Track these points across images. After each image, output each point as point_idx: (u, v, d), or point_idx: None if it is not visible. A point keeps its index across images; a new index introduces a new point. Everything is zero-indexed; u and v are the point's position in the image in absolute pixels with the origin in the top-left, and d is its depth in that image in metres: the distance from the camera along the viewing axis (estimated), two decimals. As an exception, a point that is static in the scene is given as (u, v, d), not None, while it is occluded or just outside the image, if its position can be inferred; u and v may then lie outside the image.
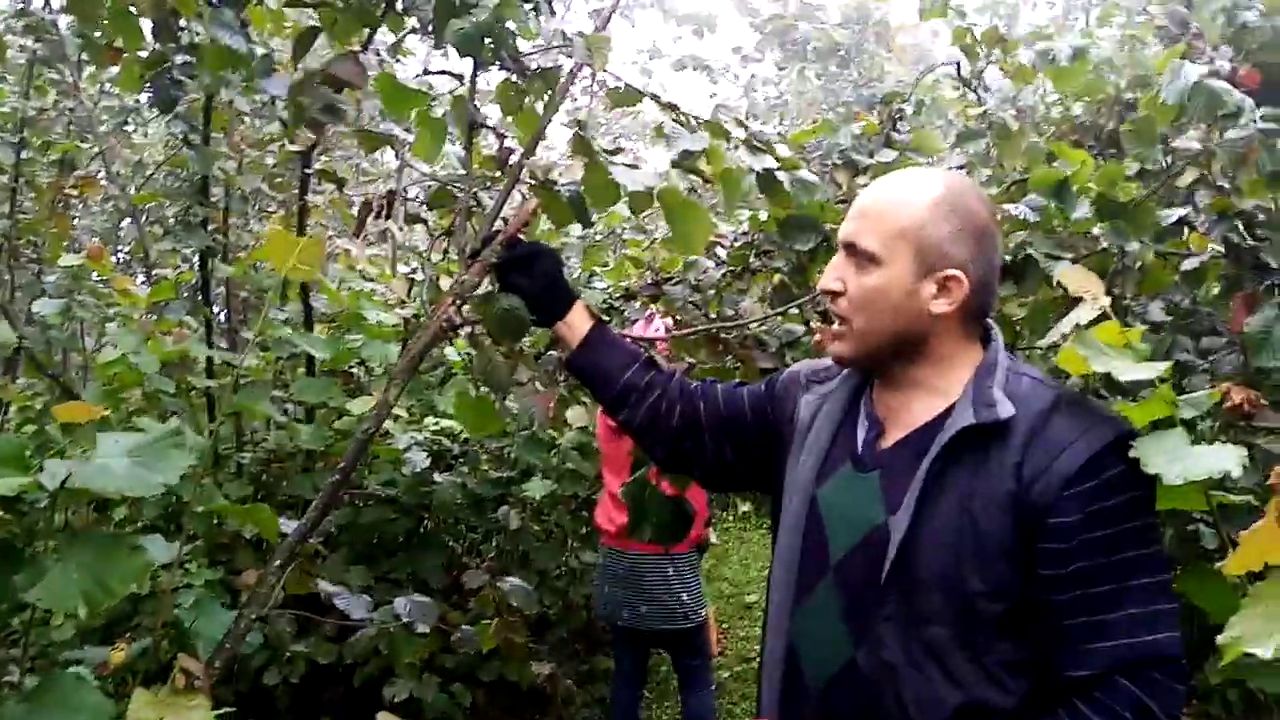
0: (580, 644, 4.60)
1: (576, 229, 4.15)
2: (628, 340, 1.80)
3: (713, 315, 2.30)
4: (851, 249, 1.36)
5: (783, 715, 1.40)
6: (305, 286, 3.93)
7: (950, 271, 1.34)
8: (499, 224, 1.78)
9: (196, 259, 3.87)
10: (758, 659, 1.55)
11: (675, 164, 1.78)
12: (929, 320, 1.35)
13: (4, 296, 4.05)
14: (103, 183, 4.77)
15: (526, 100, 1.85)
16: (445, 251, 1.94)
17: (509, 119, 1.92)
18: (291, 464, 4.13)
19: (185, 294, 4.63)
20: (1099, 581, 1.22)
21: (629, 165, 1.74)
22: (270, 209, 4.82)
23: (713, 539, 5.21)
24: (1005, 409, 1.27)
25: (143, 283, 4.44)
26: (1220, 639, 1.08)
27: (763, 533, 7.19)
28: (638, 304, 2.46)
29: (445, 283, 1.85)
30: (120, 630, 3.35)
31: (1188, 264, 2.09)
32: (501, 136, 1.87)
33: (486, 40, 1.74)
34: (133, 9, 2.25)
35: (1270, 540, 1.08)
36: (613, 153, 1.76)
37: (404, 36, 1.98)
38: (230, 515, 2.09)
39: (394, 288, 4.37)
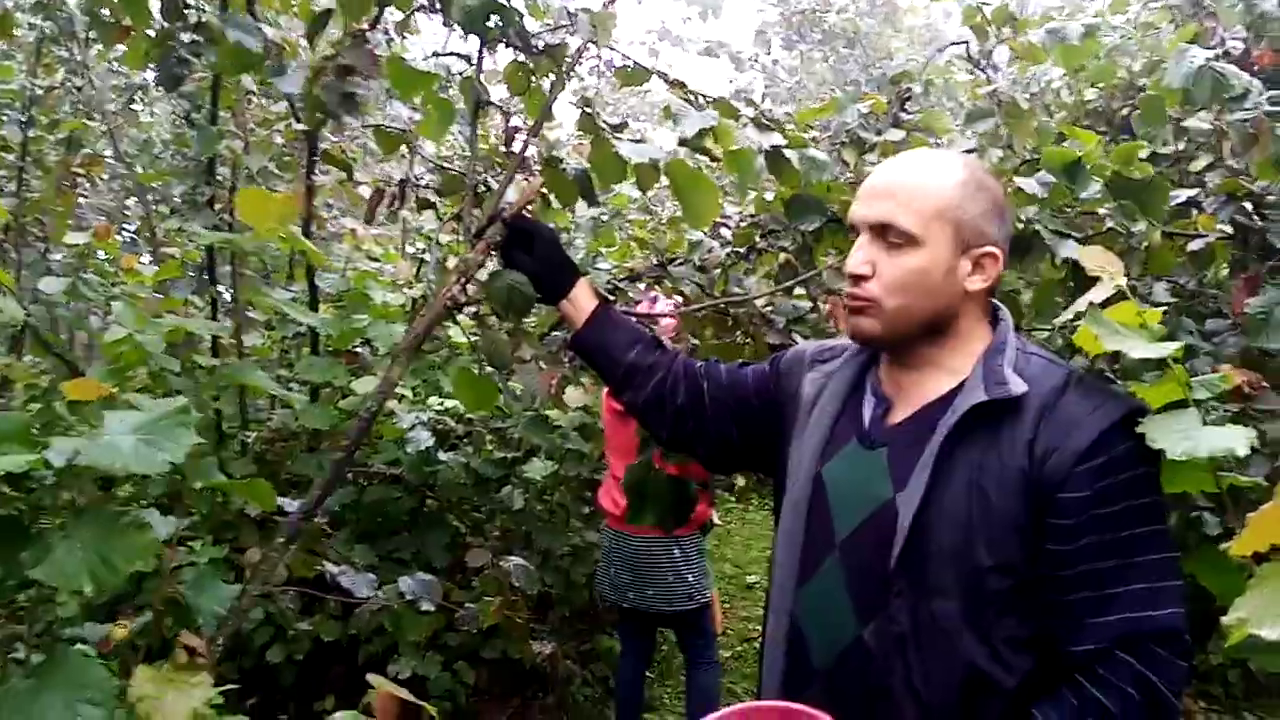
0: (582, 623, 4.62)
1: (583, 210, 4.17)
2: (633, 320, 1.80)
3: (718, 295, 2.30)
4: (883, 230, 1.34)
5: (786, 695, 1.40)
6: (310, 266, 3.94)
7: (987, 249, 1.36)
8: (505, 203, 1.78)
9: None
10: (759, 639, 1.56)
11: (684, 142, 1.77)
12: (960, 299, 1.36)
13: (11, 274, 4.05)
14: (109, 161, 4.77)
15: (533, 80, 1.84)
16: (455, 234, 1.95)
17: (516, 99, 1.92)
18: (296, 443, 4.14)
19: (191, 273, 4.64)
20: (1105, 556, 1.23)
21: (635, 140, 1.73)
22: (277, 189, 4.82)
23: (715, 520, 5.23)
24: (1018, 386, 1.28)
25: (149, 262, 4.44)
26: (1225, 620, 1.08)
27: (765, 514, 7.21)
28: (642, 285, 2.45)
29: (452, 263, 1.85)
30: (124, 607, 3.37)
31: (1194, 245, 2.08)
32: (507, 115, 1.87)
33: (492, 17, 1.73)
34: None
35: (1277, 522, 1.08)
36: (618, 128, 1.75)
37: (412, 13, 1.97)
38: (228, 490, 2.10)
39: (401, 268, 4.38)
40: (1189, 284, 2.12)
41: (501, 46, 1.83)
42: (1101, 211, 2.02)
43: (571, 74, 1.82)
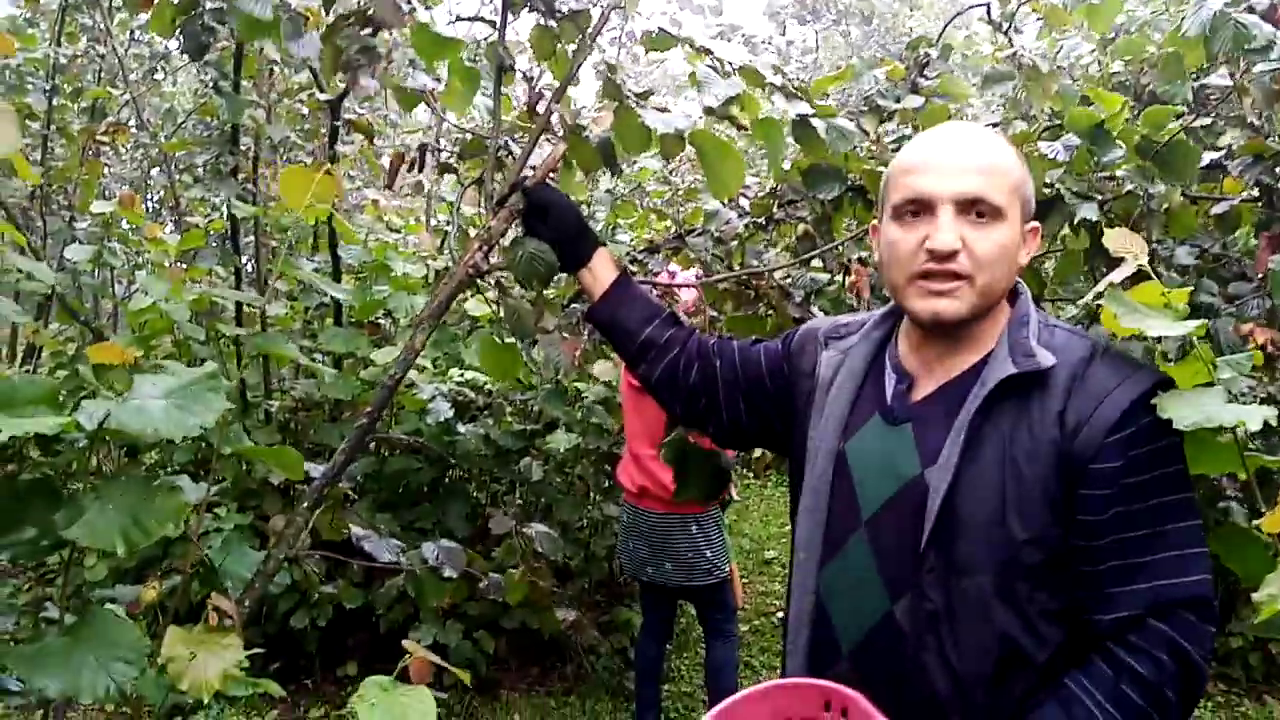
0: (602, 595, 4.65)
1: (606, 184, 4.16)
2: (651, 293, 1.80)
3: (736, 266, 2.29)
4: (971, 204, 1.30)
5: (812, 673, 1.39)
6: (334, 237, 3.96)
7: (1033, 223, 1.39)
8: (527, 171, 1.78)
9: (226, 208, 3.89)
10: (776, 614, 1.56)
11: (709, 111, 1.76)
12: (1015, 273, 1.37)
13: (36, 242, 4.09)
14: (133, 130, 4.78)
15: (558, 45, 1.84)
16: (477, 203, 1.95)
17: (539, 65, 1.91)
18: (319, 413, 4.18)
19: (215, 243, 4.66)
20: (1135, 526, 1.23)
21: (659, 109, 1.72)
22: (300, 159, 4.84)
23: (734, 495, 5.24)
24: (1046, 358, 1.28)
25: (172, 231, 4.47)
26: (1256, 596, 1.08)
27: (783, 490, 7.22)
28: (660, 256, 2.45)
29: (474, 232, 1.85)
30: (151, 571, 3.42)
31: (1219, 208, 2.05)
32: (531, 81, 1.86)
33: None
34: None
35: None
36: (643, 96, 1.74)
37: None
38: (256, 458, 2.12)
39: (423, 239, 4.39)
40: (1212, 248, 2.08)
41: (526, 12, 1.83)
42: (1120, 173, 1.99)
43: (596, 39, 1.82)
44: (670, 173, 4.91)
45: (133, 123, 4.85)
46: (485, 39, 1.87)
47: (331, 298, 3.83)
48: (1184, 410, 1.19)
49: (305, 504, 1.90)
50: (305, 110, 4.37)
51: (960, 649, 1.27)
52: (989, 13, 2.44)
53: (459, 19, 1.99)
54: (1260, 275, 1.92)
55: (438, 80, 2.24)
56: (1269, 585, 1.07)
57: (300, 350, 4.18)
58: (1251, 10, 1.89)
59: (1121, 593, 1.23)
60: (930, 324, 1.34)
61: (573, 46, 1.83)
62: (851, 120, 2.14)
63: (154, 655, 1.53)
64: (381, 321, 4.40)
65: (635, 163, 4.26)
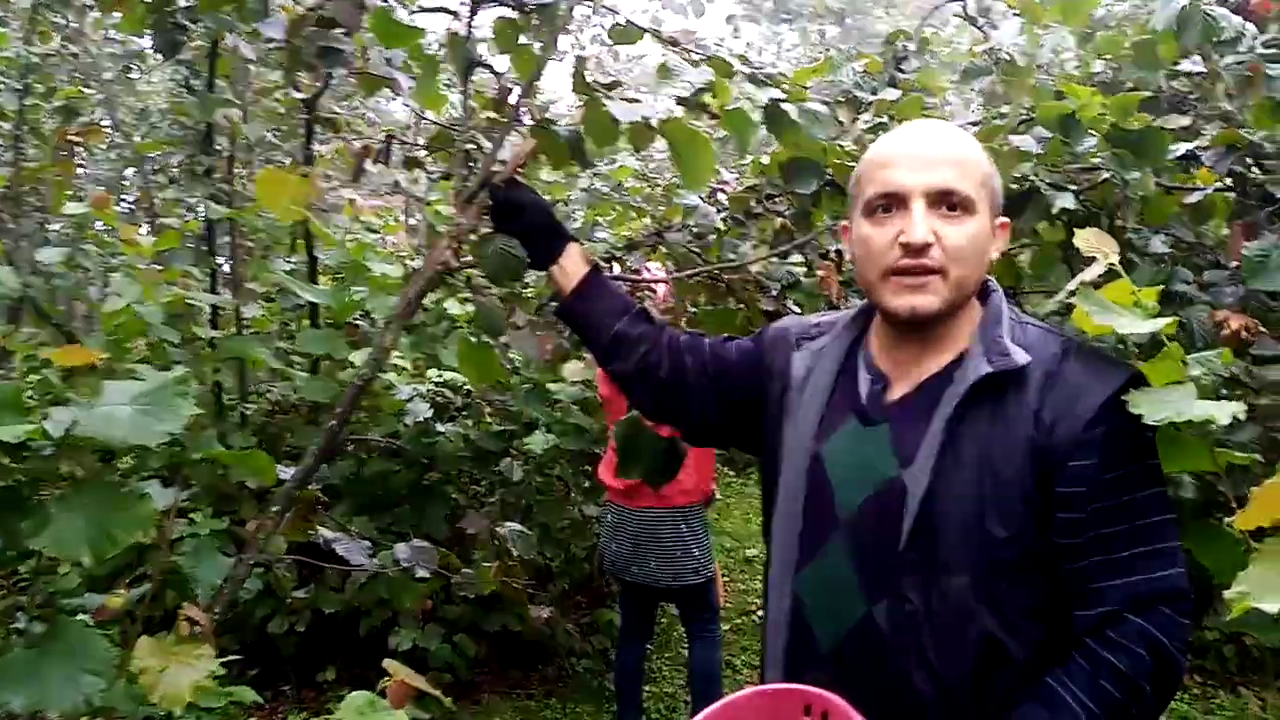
0: (583, 596, 4.64)
1: (584, 181, 4.14)
2: (622, 288, 1.79)
3: (713, 261, 2.28)
4: (942, 197, 1.30)
5: (791, 676, 1.38)
6: (310, 238, 3.92)
7: (1002, 219, 1.39)
8: (497, 166, 1.76)
9: (202, 208, 3.85)
10: (757, 613, 1.55)
11: (681, 101, 1.74)
12: (986, 268, 1.36)
13: (9, 244, 4.04)
14: (107, 130, 4.74)
15: (524, 38, 1.82)
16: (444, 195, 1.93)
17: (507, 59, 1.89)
18: (296, 415, 4.14)
19: (190, 244, 4.62)
20: (1113, 521, 1.23)
21: (628, 100, 1.70)
22: (276, 158, 4.79)
23: (715, 493, 5.24)
24: (1020, 356, 1.27)
25: (148, 232, 4.42)
26: (1228, 594, 1.07)
27: (766, 489, 7.21)
28: (639, 253, 2.44)
29: (442, 229, 1.83)
30: (126, 578, 3.38)
31: (1193, 197, 2.05)
32: (499, 75, 1.84)
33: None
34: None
35: (1281, 496, 1.07)
36: (610, 87, 1.72)
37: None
38: (227, 462, 2.09)
39: (401, 239, 4.36)
40: (1186, 236, 2.09)
41: (495, 5, 1.81)
42: (1096, 161, 1.99)
43: (564, 32, 1.80)
44: (649, 170, 4.89)
45: (106, 123, 4.80)
46: (449, 30, 1.84)
47: (308, 298, 3.79)
48: (1153, 406, 1.19)
49: (275, 507, 1.88)
50: (282, 109, 4.33)
51: (941, 650, 1.26)
52: (965, 8, 2.44)
53: (421, 9, 1.96)
54: (1234, 263, 1.92)
55: (413, 77, 2.22)
56: (1240, 583, 1.07)
57: (277, 352, 4.16)
58: (1224, 3, 1.90)
59: (1100, 588, 1.23)
60: (906, 320, 1.33)
61: (540, 41, 1.81)
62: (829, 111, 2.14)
63: (124, 665, 1.51)
64: (360, 323, 4.37)
65: (615, 160, 4.25)
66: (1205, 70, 2.03)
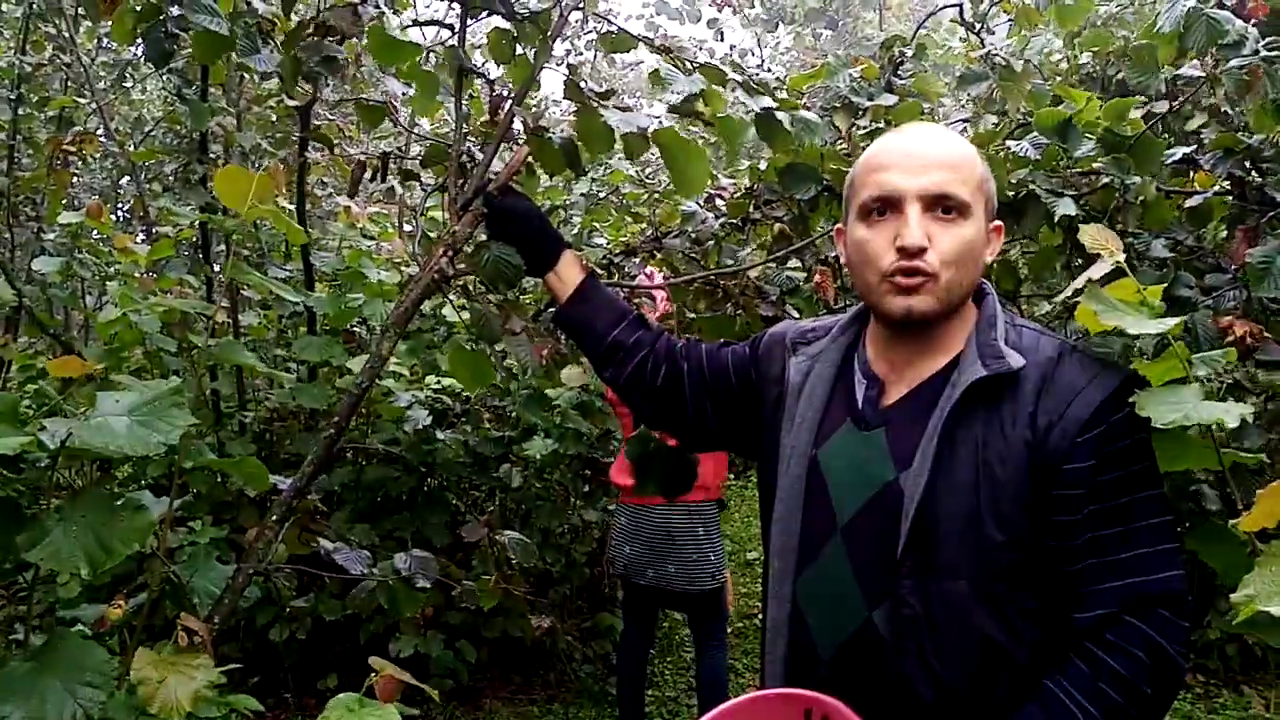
0: (583, 601, 4.63)
1: (581, 187, 4.14)
2: (619, 295, 1.79)
3: (711, 267, 2.28)
4: (937, 201, 1.30)
5: (791, 681, 1.38)
6: (306, 244, 3.91)
7: (996, 222, 1.40)
8: (491, 175, 1.76)
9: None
10: (759, 615, 1.54)
11: (673, 109, 1.74)
12: (981, 271, 1.37)
13: (4, 254, 4.03)
14: (101, 139, 4.73)
15: (518, 48, 1.82)
16: (445, 208, 1.93)
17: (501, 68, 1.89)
18: (294, 423, 4.14)
19: (186, 252, 4.61)
20: (1109, 524, 1.23)
21: (622, 108, 1.70)
22: (271, 165, 4.79)
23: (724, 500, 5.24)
24: (1015, 359, 1.27)
25: (142, 241, 4.42)
26: (1234, 596, 1.07)
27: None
28: (637, 259, 2.43)
29: (438, 237, 1.83)
30: (126, 588, 3.37)
31: (1192, 201, 2.05)
32: (491, 84, 1.84)
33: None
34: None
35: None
36: (604, 95, 1.72)
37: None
38: (220, 470, 2.09)
39: (397, 246, 4.35)
40: (1187, 240, 2.09)
41: (486, 15, 1.80)
42: (1096, 166, 2.00)
43: (558, 40, 1.80)
44: (646, 176, 4.90)
45: (100, 132, 4.79)
46: (444, 42, 1.84)
47: (305, 305, 3.79)
48: (1162, 409, 1.18)
49: (274, 516, 1.88)
50: (275, 117, 4.32)
51: (941, 653, 1.26)
52: (961, 13, 2.44)
53: (415, 23, 1.96)
54: (1236, 267, 1.92)
55: (408, 85, 2.22)
56: (1247, 585, 1.06)
57: (274, 359, 4.15)
58: (1222, 5, 1.90)
59: (1098, 591, 1.23)
60: (903, 322, 1.33)
61: (533, 50, 1.81)
62: (825, 117, 2.13)
63: (123, 677, 1.50)
64: (357, 329, 4.37)
65: (608, 166, 4.25)
66: (1205, 74, 2.02)
